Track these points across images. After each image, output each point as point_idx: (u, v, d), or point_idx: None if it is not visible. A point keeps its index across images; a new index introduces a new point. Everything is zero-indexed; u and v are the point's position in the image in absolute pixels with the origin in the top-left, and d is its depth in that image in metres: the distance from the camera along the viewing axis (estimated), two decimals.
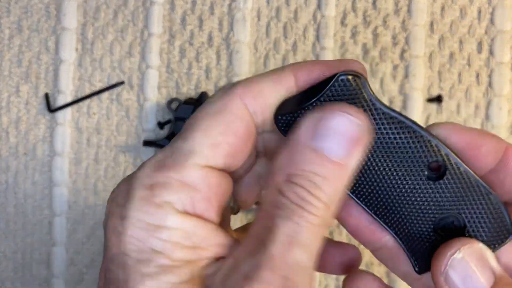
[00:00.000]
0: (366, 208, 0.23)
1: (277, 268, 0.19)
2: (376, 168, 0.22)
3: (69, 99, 0.48)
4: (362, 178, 0.22)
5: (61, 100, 0.48)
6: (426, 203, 0.22)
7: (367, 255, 0.47)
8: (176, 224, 0.20)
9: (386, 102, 0.48)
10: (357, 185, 0.23)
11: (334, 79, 0.21)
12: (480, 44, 0.49)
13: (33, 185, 0.48)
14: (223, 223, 0.23)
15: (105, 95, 0.48)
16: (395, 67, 0.48)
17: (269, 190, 0.21)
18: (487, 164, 0.23)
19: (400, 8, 0.48)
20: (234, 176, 0.24)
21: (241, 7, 0.48)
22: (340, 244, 0.28)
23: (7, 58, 0.48)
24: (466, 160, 0.23)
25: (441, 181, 0.22)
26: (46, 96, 0.48)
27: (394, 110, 0.22)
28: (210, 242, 0.21)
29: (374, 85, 0.48)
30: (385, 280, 0.48)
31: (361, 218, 0.24)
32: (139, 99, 0.48)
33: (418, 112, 0.48)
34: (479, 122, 0.48)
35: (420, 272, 0.23)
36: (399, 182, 0.22)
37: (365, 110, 0.22)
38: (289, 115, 0.22)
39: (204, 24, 0.48)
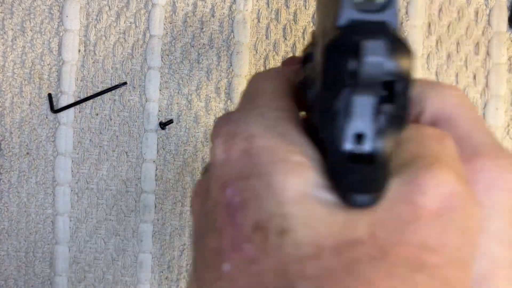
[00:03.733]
0: None
1: None
2: None
3: (72, 99, 0.48)
4: None
5: (64, 101, 0.48)
6: None
7: None
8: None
9: None
10: None
11: None
12: (477, 45, 0.49)
13: (36, 185, 0.48)
14: None
15: (107, 95, 0.48)
16: None
17: None
18: None
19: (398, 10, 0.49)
20: None
21: (241, 9, 0.48)
22: None
23: (10, 59, 0.48)
24: None
25: None
26: (49, 96, 0.48)
27: None
28: None
29: None
30: None
31: None
32: (141, 100, 0.48)
33: None
34: None
35: None
36: None
37: None
38: None
39: (205, 26, 0.48)
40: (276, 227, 0.16)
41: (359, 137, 0.17)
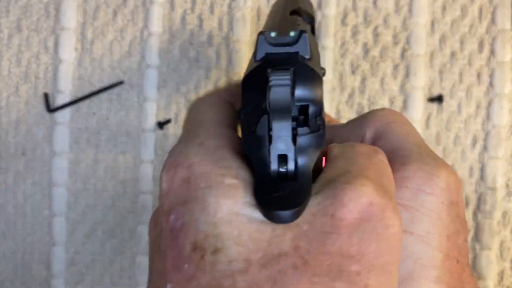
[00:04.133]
0: None
1: None
2: None
3: (68, 99, 0.48)
4: None
5: (60, 100, 0.48)
6: None
7: None
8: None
9: (386, 102, 0.48)
10: None
11: None
12: (481, 44, 0.48)
13: (33, 186, 0.48)
14: None
15: (104, 95, 0.48)
16: (396, 67, 0.48)
17: None
18: None
19: (400, 8, 0.48)
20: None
21: (241, 7, 0.48)
22: None
23: (6, 58, 0.48)
24: None
25: None
26: (46, 96, 0.48)
27: None
28: None
29: (375, 84, 0.48)
30: None
31: None
32: (139, 99, 0.48)
33: (419, 112, 0.48)
34: (480, 122, 0.48)
35: None
36: None
37: None
38: None
39: (204, 23, 0.48)
40: (211, 246, 0.18)
41: (282, 158, 0.19)
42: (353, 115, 0.48)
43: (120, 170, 0.48)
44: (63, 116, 0.48)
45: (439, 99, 0.48)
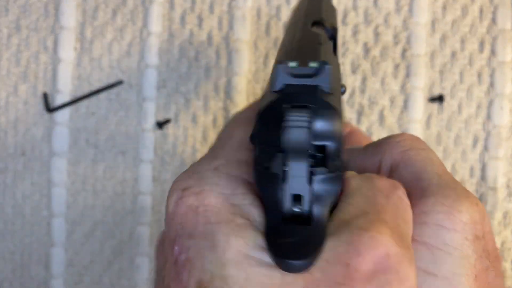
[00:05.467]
0: None
1: None
2: None
3: (67, 98, 0.48)
4: None
5: (59, 100, 0.47)
6: None
7: None
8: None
9: (387, 102, 0.48)
10: None
11: None
12: (481, 43, 0.48)
13: (32, 186, 0.48)
14: None
15: (103, 94, 0.48)
16: (396, 67, 0.48)
17: None
18: None
19: (401, 7, 0.48)
20: None
21: (240, 6, 0.48)
22: None
23: (5, 58, 0.48)
24: None
25: None
26: (45, 95, 0.48)
27: None
28: None
29: (375, 84, 0.48)
30: None
31: None
32: (138, 99, 0.48)
33: (419, 112, 0.48)
34: (481, 122, 0.48)
35: None
36: None
37: None
38: None
39: (203, 23, 0.48)
40: None
41: (296, 198, 0.18)
42: (353, 115, 0.47)
43: (119, 170, 0.47)
44: (62, 116, 0.47)
45: (440, 99, 0.48)
